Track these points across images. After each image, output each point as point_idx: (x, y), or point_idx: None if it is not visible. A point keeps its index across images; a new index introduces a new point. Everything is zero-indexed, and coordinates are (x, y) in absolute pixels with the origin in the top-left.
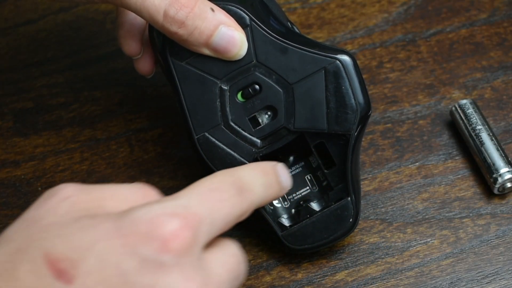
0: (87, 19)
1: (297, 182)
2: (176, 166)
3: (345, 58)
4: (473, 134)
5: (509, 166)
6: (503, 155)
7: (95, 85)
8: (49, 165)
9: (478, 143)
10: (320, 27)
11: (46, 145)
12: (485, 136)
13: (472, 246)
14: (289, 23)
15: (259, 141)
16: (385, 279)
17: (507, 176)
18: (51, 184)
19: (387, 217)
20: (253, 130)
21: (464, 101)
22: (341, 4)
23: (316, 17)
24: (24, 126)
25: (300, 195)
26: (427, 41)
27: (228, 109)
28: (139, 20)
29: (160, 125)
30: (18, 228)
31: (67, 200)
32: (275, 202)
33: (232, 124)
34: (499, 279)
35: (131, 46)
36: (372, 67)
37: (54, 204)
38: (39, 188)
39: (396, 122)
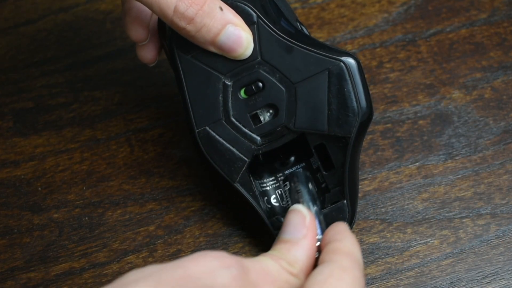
0: (87, 19)
1: None
2: (176, 166)
3: (349, 60)
4: None
5: None
6: None
7: (95, 85)
8: (49, 165)
9: None
10: (320, 27)
11: (46, 145)
12: None
13: (472, 246)
14: (298, 23)
15: (259, 138)
16: (385, 279)
17: None
18: (51, 184)
19: (387, 217)
20: (253, 127)
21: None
22: (341, 4)
23: (316, 17)
24: (24, 126)
25: None
26: (427, 41)
27: (230, 104)
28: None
29: (160, 125)
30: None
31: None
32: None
33: (233, 119)
34: (499, 279)
35: (137, 32)
36: (372, 67)
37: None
38: (39, 188)
39: (396, 122)
